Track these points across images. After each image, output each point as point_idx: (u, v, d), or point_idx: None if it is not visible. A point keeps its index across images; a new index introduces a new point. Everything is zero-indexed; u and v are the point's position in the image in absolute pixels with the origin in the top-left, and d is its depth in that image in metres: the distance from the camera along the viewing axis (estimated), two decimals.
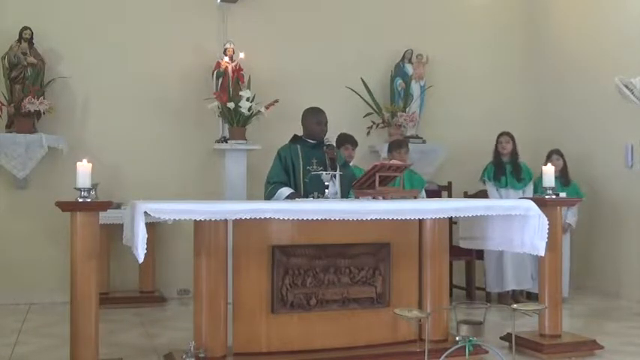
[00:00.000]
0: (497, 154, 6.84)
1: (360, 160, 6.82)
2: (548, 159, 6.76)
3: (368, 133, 7.58)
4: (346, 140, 6.34)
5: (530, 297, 6.69)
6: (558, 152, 6.94)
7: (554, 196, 4.93)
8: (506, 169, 6.78)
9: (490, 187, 6.80)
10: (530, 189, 6.73)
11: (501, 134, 6.85)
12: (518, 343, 4.50)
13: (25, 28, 6.60)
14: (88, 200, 3.94)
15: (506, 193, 6.72)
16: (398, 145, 6.38)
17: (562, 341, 4.82)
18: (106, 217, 5.70)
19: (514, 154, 6.82)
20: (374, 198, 4.64)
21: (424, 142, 7.72)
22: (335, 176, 4.96)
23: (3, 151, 6.49)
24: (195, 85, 7.14)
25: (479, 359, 4.40)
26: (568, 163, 7.03)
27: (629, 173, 7.00)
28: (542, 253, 4.56)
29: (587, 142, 7.50)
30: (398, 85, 7.72)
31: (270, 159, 5.27)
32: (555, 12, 8.19)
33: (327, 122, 5.20)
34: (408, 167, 5.33)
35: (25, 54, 6.56)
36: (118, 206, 6.24)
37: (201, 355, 4.05)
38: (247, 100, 6.84)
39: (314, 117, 5.18)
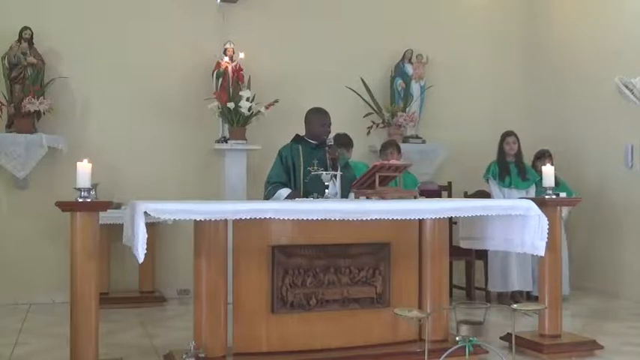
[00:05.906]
0: (502, 153, 6.81)
1: (360, 160, 6.82)
2: (542, 158, 6.75)
3: (368, 133, 7.58)
4: (341, 142, 6.32)
5: (530, 298, 6.69)
6: (549, 152, 6.94)
7: (554, 196, 4.94)
8: (510, 168, 6.77)
9: (494, 186, 6.78)
10: (533, 190, 6.68)
11: (508, 134, 6.81)
12: (518, 343, 4.50)
13: (25, 28, 6.60)
14: (88, 200, 3.94)
15: (509, 193, 6.68)
16: (384, 147, 6.49)
17: (562, 341, 4.82)
18: (106, 217, 5.70)
19: (519, 154, 6.82)
20: (368, 198, 4.64)
21: (424, 142, 7.72)
22: (335, 176, 4.95)
23: (3, 151, 6.48)
24: (195, 85, 7.14)
25: (479, 359, 4.40)
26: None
27: (629, 173, 6.99)
28: (542, 253, 4.56)
29: (587, 141, 7.50)
30: (398, 85, 7.72)
31: (270, 159, 5.27)
32: (555, 12, 8.18)
33: (330, 124, 5.18)
34: (408, 167, 5.33)
35: (25, 54, 6.56)
36: (118, 206, 6.24)
37: (201, 355, 4.04)
38: (247, 100, 6.84)
39: (319, 119, 5.16)
